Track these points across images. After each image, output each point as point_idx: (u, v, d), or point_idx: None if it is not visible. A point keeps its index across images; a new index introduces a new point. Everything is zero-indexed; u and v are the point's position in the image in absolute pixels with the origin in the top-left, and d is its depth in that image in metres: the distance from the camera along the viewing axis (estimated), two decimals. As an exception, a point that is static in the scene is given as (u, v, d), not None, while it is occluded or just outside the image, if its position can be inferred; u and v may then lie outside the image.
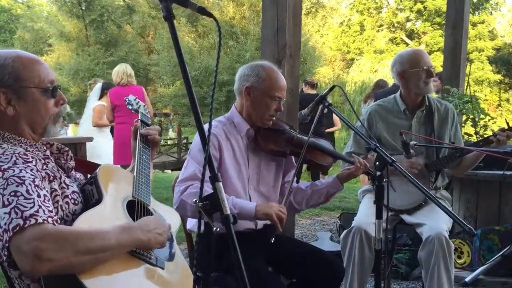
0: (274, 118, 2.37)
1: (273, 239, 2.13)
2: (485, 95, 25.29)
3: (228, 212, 1.17)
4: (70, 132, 7.88)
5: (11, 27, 27.87)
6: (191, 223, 2.38)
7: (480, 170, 3.67)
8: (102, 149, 6.23)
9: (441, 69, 5.22)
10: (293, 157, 2.50)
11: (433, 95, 3.03)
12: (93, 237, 1.27)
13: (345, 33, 29.45)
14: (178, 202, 2.15)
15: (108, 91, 6.30)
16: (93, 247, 1.25)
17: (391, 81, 7.15)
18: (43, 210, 1.25)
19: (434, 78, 2.93)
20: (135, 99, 2.06)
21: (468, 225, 1.59)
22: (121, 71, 6.07)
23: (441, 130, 2.92)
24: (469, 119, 4.32)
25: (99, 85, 6.82)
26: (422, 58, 2.88)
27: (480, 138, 3.53)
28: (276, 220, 2.09)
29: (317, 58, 21.28)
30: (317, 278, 2.25)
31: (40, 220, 1.22)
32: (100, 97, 6.62)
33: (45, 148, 1.57)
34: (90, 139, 4.67)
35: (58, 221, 1.33)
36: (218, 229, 1.19)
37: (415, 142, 2.60)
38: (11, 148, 1.40)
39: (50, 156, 1.55)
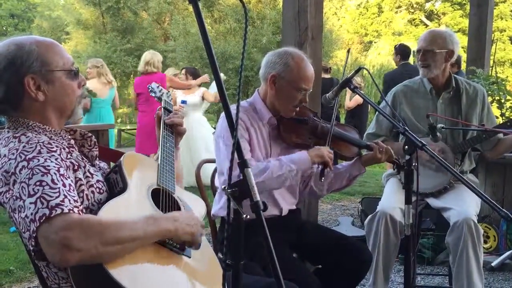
0: (298, 108, 2.28)
1: (322, 178, 2.21)
2: (507, 76, 24.68)
3: (258, 198, 1.14)
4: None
5: (29, 16, 28.07)
6: (215, 208, 2.34)
7: (507, 153, 3.57)
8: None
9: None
10: None
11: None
12: (120, 227, 1.25)
13: (362, 15, 28.91)
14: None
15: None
16: (121, 237, 1.23)
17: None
18: (69, 200, 1.24)
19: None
20: (158, 87, 2.02)
21: (504, 210, 1.52)
22: (142, 59, 6.14)
23: (469, 112, 2.83)
24: (495, 101, 4.21)
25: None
26: (419, 41, 2.83)
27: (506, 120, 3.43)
28: (328, 160, 2.18)
29: (334, 41, 20.98)
30: (344, 264, 2.21)
31: (66, 210, 1.21)
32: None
33: (69, 136, 1.55)
34: (112, 126, 4.75)
35: (84, 210, 1.31)
36: (248, 216, 1.16)
37: (442, 125, 2.53)
38: (35, 137, 1.39)
39: (74, 145, 1.53)
